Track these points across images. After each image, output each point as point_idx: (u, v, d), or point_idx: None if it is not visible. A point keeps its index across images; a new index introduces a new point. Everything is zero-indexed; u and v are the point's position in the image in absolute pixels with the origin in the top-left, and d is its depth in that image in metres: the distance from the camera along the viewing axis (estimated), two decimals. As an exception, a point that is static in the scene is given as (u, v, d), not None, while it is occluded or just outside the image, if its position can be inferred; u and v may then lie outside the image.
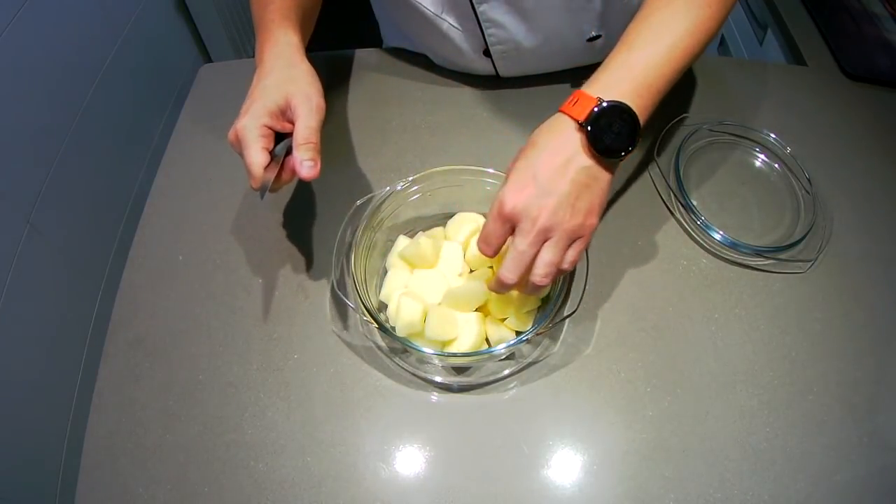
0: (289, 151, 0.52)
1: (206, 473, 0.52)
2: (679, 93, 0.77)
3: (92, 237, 1.02)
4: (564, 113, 0.50)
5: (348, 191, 0.68)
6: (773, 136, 0.72)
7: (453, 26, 0.71)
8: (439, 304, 0.56)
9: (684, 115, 0.75)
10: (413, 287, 0.57)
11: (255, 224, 0.66)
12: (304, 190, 0.69)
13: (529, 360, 0.57)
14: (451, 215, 0.63)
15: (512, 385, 0.56)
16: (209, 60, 1.45)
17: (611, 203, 0.67)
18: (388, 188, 0.60)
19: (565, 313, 0.55)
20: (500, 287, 0.50)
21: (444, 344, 0.54)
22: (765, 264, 0.63)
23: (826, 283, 0.62)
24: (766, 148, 0.73)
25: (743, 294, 0.61)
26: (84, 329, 0.99)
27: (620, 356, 0.57)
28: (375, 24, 0.90)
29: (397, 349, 0.58)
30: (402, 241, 0.61)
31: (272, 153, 0.52)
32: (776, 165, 0.72)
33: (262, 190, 0.50)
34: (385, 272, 0.61)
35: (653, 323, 0.59)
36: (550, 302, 0.55)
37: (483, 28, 0.69)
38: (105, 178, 1.06)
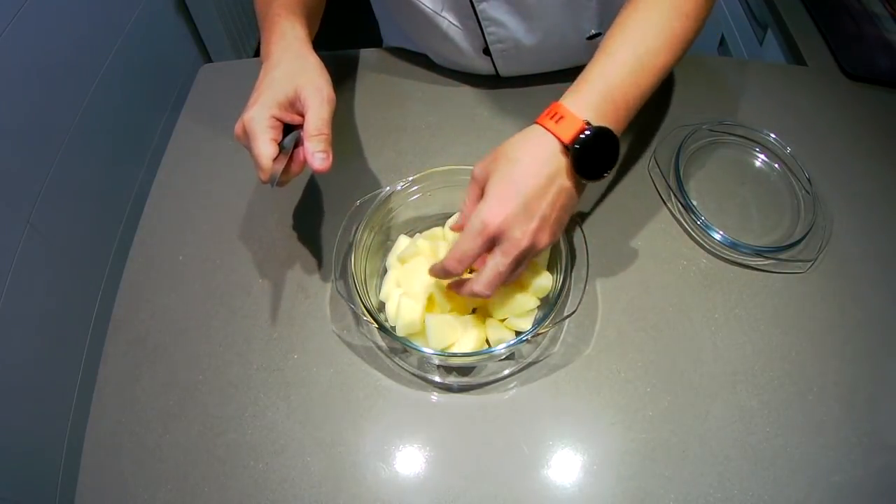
0: (297, 143, 0.52)
1: (206, 473, 0.52)
2: (679, 93, 0.77)
3: (92, 237, 1.03)
4: (546, 129, 0.49)
5: (348, 191, 0.68)
6: (772, 136, 0.72)
7: (453, 24, 0.71)
8: (431, 297, 0.56)
9: (684, 115, 0.75)
10: (402, 280, 0.57)
11: (256, 224, 0.66)
12: (304, 190, 0.69)
13: (529, 360, 0.57)
14: (450, 215, 0.63)
15: (512, 385, 0.56)
16: (209, 60, 1.45)
17: (611, 203, 0.67)
18: (388, 188, 0.60)
19: (565, 313, 0.55)
20: (472, 296, 0.50)
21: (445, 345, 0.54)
22: (765, 264, 0.63)
23: (826, 283, 0.62)
24: (765, 148, 0.73)
25: (743, 294, 0.61)
26: (84, 329, 1.00)
27: (620, 356, 0.57)
28: (375, 24, 0.90)
29: (397, 349, 0.58)
30: (403, 241, 0.61)
31: (281, 145, 0.51)
32: (776, 165, 0.72)
33: (272, 182, 0.50)
34: (385, 272, 0.61)
35: (653, 323, 0.59)
36: (550, 302, 0.55)
37: (483, 26, 0.69)
38: (105, 178, 1.06)
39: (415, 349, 0.53)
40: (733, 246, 0.63)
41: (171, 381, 0.57)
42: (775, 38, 0.95)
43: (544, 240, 0.49)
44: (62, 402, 0.93)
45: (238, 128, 0.51)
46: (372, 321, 0.52)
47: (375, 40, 0.91)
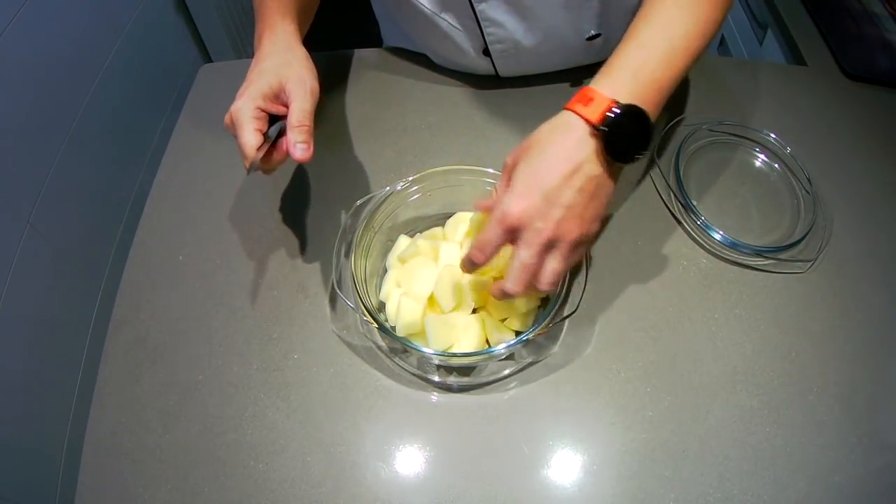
0: (281, 133, 0.53)
1: (206, 473, 0.52)
2: (679, 93, 0.77)
3: (92, 237, 1.02)
4: (574, 112, 0.48)
5: (348, 191, 0.68)
6: (772, 136, 0.72)
7: (452, 25, 0.71)
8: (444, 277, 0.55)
9: (684, 115, 0.75)
10: (402, 280, 0.57)
11: (255, 224, 0.66)
12: (304, 190, 0.69)
13: (529, 360, 0.57)
14: (450, 215, 0.63)
15: (512, 385, 0.56)
16: (209, 60, 1.45)
17: (610, 203, 0.67)
18: (388, 188, 0.60)
19: (565, 313, 0.55)
20: (503, 297, 0.49)
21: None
22: (765, 264, 0.63)
23: (826, 283, 0.62)
24: (765, 148, 0.73)
25: (743, 294, 0.61)
26: (84, 329, 0.99)
27: (620, 356, 0.57)
28: (375, 24, 0.90)
29: (397, 349, 0.58)
30: (403, 241, 0.61)
31: (265, 135, 0.53)
32: (776, 165, 0.72)
33: (251, 169, 0.51)
34: (385, 272, 0.61)
35: (653, 323, 0.59)
36: (550, 302, 0.55)
37: (482, 27, 0.69)
38: (105, 178, 1.06)
39: (415, 349, 0.53)
40: (733, 246, 0.63)
41: (171, 381, 0.56)
42: (775, 39, 0.95)
43: (573, 230, 0.47)
44: (62, 402, 0.93)
45: (227, 118, 0.53)
46: (372, 321, 0.52)
47: (375, 40, 0.91)
